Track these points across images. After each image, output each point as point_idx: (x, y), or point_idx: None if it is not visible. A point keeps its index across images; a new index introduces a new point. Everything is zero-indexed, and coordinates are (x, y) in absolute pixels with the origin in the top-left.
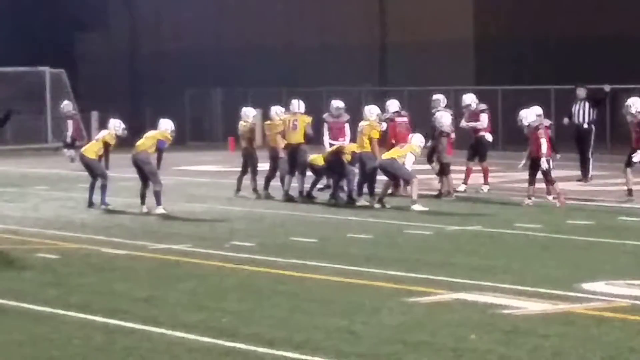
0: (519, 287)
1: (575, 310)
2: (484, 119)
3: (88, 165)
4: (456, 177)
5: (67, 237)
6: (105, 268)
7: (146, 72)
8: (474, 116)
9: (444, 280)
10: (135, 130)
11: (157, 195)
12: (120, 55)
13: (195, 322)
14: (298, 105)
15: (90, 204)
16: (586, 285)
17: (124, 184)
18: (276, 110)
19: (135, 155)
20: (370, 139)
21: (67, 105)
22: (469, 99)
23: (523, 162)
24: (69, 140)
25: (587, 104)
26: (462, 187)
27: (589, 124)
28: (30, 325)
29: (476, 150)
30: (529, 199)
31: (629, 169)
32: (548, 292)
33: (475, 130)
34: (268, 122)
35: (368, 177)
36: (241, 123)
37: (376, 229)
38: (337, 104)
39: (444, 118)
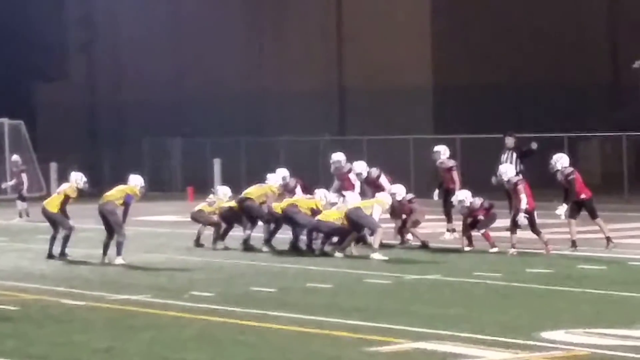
0: (478, 336)
1: (535, 359)
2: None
3: (51, 218)
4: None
5: (27, 289)
6: (64, 319)
7: (105, 122)
8: (373, 182)
9: (404, 330)
10: (94, 180)
11: (119, 245)
12: (79, 105)
13: None
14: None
15: (50, 256)
16: (546, 334)
17: (83, 234)
18: (224, 191)
19: (101, 206)
20: None
21: (15, 159)
22: (360, 167)
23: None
24: (24, 192)
25: (514, 154)
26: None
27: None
28: None
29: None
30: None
31: (572, 220)
32: (507, 341)
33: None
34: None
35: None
36: (214, 202)
37: (336, 279)
38: (281, 174)
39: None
